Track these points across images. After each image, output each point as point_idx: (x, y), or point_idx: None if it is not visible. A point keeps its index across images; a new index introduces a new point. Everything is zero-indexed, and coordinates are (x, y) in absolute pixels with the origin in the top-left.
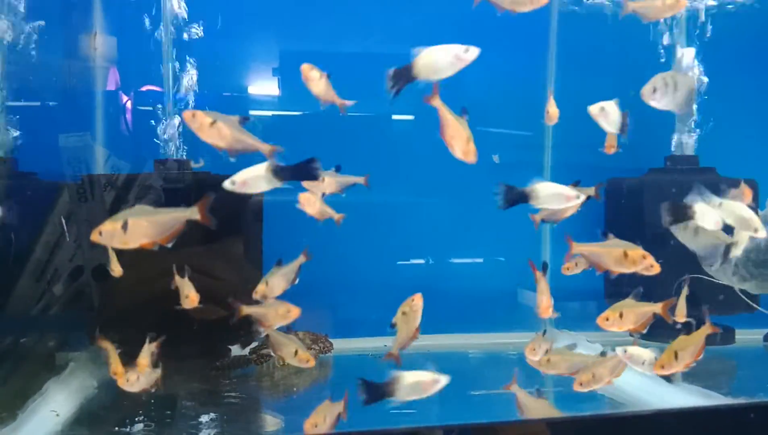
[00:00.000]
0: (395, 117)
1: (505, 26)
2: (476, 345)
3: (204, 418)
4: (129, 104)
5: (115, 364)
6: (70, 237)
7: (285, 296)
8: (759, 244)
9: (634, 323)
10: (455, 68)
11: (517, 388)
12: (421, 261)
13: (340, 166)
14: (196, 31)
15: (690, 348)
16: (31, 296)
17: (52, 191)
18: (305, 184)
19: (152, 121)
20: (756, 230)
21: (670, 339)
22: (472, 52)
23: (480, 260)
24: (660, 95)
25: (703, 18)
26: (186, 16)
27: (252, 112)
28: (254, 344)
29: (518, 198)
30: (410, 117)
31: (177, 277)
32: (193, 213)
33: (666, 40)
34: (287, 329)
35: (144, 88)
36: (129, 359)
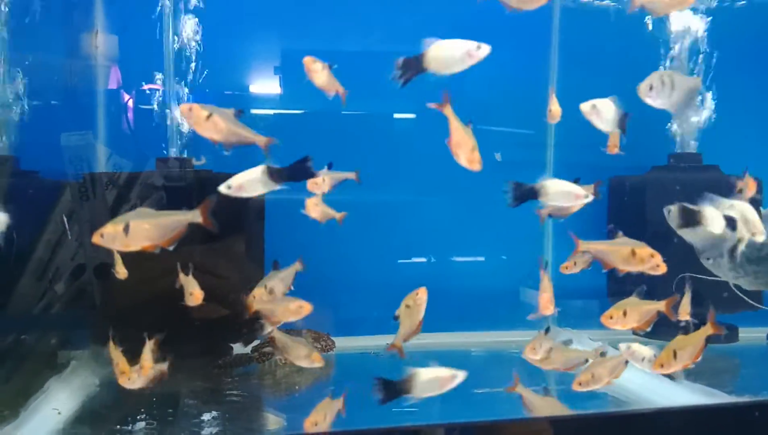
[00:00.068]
0: (396, 115)
1: (507, 24)
2: (478, 343)
3: (206, 417)
4: (131, 103)
5: (123, 363)
6: (71, 235)
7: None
8: (754, 242)
9: (637, 321)
10: (465, 64)
11: (522, 388)
12: (423, 259)
13: (331, 164)
14: (197, 29)
15: (689, 348)
16: (32, 295)
17: (54, 190)
18: (309, 187)
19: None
20: (754, 234)
21: (673, 338)
22: (484, 50)
23: (482, 259)
24: (656, 93)
25: (704, 15)
26: (187, 14)
27: (253, 111)
28: (256, 342)
29: (527, 195)
30: (411, 115)
31: (181, 275)
32: (195, 216)
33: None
34: (288, 328)
35: (145, 87)
36: (131, 358)
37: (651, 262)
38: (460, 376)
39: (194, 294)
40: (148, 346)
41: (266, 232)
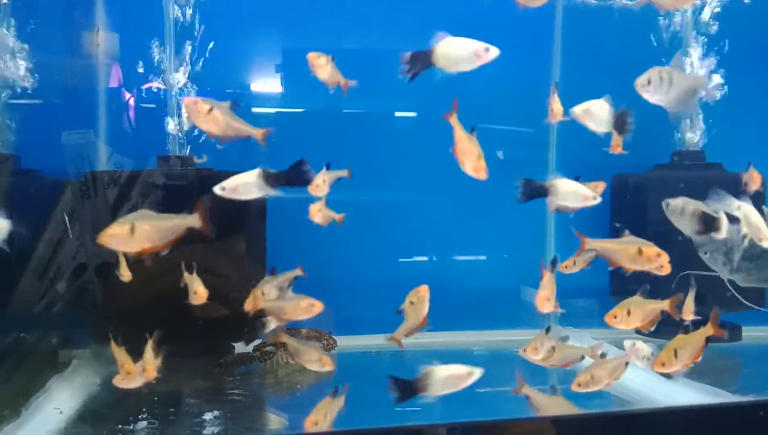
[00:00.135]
0: (398, 114)
1: (510, 22)
2: (480, 342)
3: (208, 416)
4: (132, 101)
5: (128, 364)
6: (73, 234)
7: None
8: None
9: (641, 321)
10: (472, 65)
11: (528, 388)
12: (425, 258)
13: (329, 164)
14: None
15: (689, 347)
16: (34, 293)
17: (55, 188)
18: (310, 190)
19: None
20: (761, 240)
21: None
22: (492, 53)
23: (483, 258)
24: (653, 88)
25: (709, 12)
26: (189, 13)
27: (255, 110)
28: (258, 341)
29: (537, 192)
30: (412, 114)
31: (186, 274)
32: (194, 220)
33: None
34: (290, 328)
35: (146, 86)
36: (132, 357)
37: (658, 261)
38: (477, 372)
39: (198, 292)
40: (151, 348)
41: (268, 231)
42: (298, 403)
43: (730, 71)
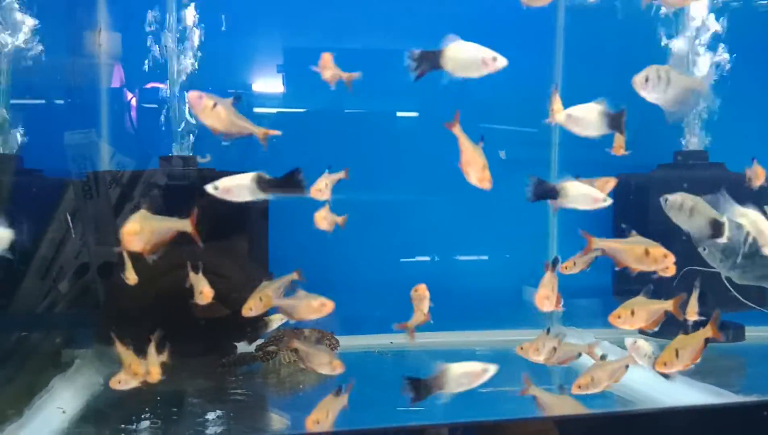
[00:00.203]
0: (399, 114)
1: (512, 21)
2: (482, 342)
3: (210, 416)
4: (134, 101)
5: (136, 365)
6: (75, 234)
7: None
8: (742, 236)
9: (645, 321)
10: (479, 72)
11: (535, 388)
12: (427, 258)
13: (331, 166)
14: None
15: (689, 348)
16: (36, 293)
17: (57, 188)
18: (313, 195)
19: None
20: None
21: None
22: (500, 62)
23: (485, 258)
24: (651, 86)
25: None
26: (191, 12)
27: (256, 110)
28: (260, 341)
29: (547, 193)
30: (414, 114)
31: (192, 274)
32: (185, 225)
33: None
34: (293, 327)
35: (149, 85)
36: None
37: (664, 262)
38: (492, 369)
39: (204, 292)
40: (154, 350)
41: (270, 231)
42: (301, 402)
43: (733, 71)
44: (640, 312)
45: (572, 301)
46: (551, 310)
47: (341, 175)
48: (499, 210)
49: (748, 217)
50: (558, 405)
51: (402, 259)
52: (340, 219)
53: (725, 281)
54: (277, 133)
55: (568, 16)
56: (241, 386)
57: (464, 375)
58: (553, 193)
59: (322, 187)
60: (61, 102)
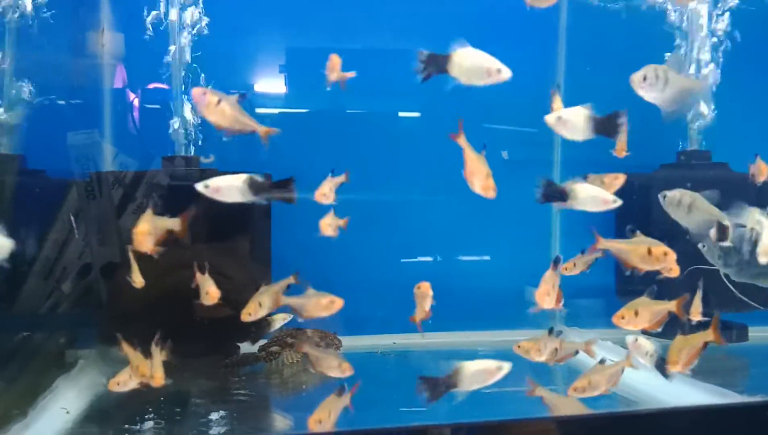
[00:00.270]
0: (401, 114)
1: (514, 21)
2: (485, 342)
3: (214, 416)
4: (136, 102)
5: (144, 366)
6: (78, 234)
7: (293, 292)
8: (743, 234)
9: (649, 321)
10: (483, 80)
11: (541, 388)
12: (429, 258)
13: (334, 170)
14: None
15: (686, 349)
16: (40, 294)
17: (60, 189)
18: (317, 199)
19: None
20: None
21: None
22: (504, 74)
23: (487, 258)
24: (649, 85)
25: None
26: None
27: (258, 110)
28: (263, 341)
29: (556, 195)
30: (416, 114)
31: (198, 274)
32: (175, 224)
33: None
34: (296, 327)
35: (151, 86)
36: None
37: (665, 259)
38: (506, 367)
39: (210, 293)
40: (158, 354)
41: (272, 231)
42: (304, 403)
43: (737, 70)
44: (644, 313)
45: (575, 302)
46: (552, 308)
47: (343, 178)
48: (501, 210)
49: (765, 226)
50: (564, 405)
51: (404, 260)
52: (342, 222)
53: (727, 281)
54: (278, 131)
55: (571, 15)
56: (245, 386)
57: (479, 373)
58: (563, 196)
59: (326, 192)
60: (64, 102)
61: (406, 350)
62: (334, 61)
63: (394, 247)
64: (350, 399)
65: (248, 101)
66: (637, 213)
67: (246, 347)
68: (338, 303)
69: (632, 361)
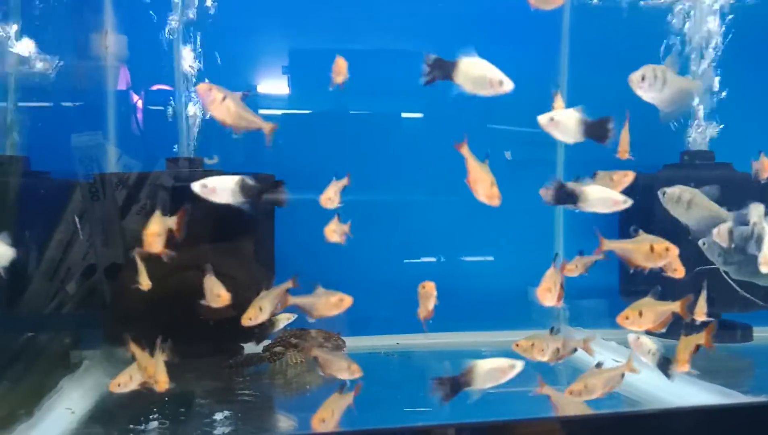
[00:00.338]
0: (404, 115)
1: (517, 21)
2: (489, 343)
3: (218, 416)
4: (140, 103)
5: (151, 367)
6: (82, 235)
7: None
8: (742, 232)
9: (653, 322)
10: (485, 90)
11: (548, 388)
12: (432, 259)
13: (338, 174)
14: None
15: (690, 349)
16: (44, 295)
17: (64, 190)
18: (322, 203)
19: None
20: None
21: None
22: (506, 86)
23: (491, 258)
24: (647, 85)
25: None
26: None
27: (262, 111)
28: (267, 342)
29: (568, 197)
30: (419, 115)
31: (207, 277)
32: (171, 222)
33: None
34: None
35: (154, 87)
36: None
37: (667, 255)
38: (519, 366)
39: (221, 296)
40: (161, 359)
41: (276, 232)
42: (308, 403)
43: (740, 70)
44: (648, 313)
45: (579, 302)
46: (552, 305)
47: (344, 182)
48: (505, 211)
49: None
50: (571, 405)
51: (408, 260)
52: (345, 227)
53: (730, 281)
54: (276, 125)
55: (574, 15)
56: (249, 387)
57: (492, 371)
58: (574, 198)
59: (331, 196)
60: (68, 104)
61: (409, 350)
62: (341, 64)
63: (397, 247)
64: (353, 398)
65: (252, 102)
66: (641, 213)
67: (250, 348)
68: (347, 301)
69: (633, 364)
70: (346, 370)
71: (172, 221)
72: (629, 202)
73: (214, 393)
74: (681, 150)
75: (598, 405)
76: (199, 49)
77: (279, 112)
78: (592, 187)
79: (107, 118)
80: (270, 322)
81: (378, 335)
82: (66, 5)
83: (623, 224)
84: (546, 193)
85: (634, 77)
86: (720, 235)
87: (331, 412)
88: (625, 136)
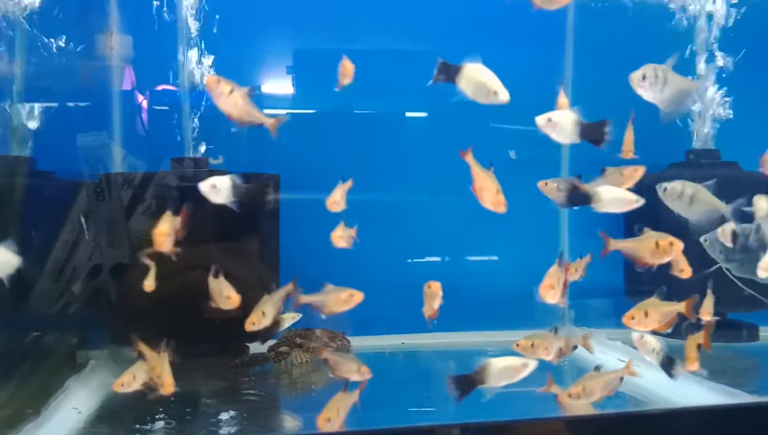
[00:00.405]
0: (408, 114)
1: (521, 20)
2: (494, 343)
3: (224, 416)
4: (145, 103)
5: (159, 367)
6: (88, 235)
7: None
8: (743, 230)
9: (659, 322)
10: (484, 99)
11: (556, 387)
12: (437, 259)
13: (344, 177)
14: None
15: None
16: (50, 295)
17: (70, 190)
18: (329, 207)
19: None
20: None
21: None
22: (501, 96)
23: (496, 258)
24: (648, 85)
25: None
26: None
27: (266, 111)
28: (273, 341)
29: (581, 199)
30: (423, 114)
31: (220, 278)
32: (177, 222)
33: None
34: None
35: (159, 88)
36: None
37: (672, 250)
38: (532, 364)
39: (231, 297)
40: (167, 361)
41: (281, 232)
42: (313, 403)
43: (746, 69)
44: (654, 313)
45: (585, 302)
46: (555, 303)
47: (348, 185)
48: (509, 210)
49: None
50: (578, 404)
51: (413, 260)
52: (352, 231)
53: (734, 279)
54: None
55: (578, 15)
56: (254, 387)
57: (506, 369)
58: (587, 199)
59: (338, 199)
60: (74, 104)
61: (414, 350)
62: (347, 66)
63: (402, 247)
64: (359, 396)
65: (256, 102)
66: (646, 212)
67: (255, 347)
68: (358, 296)
69: (632, 368)
70: (356, 372)
71: (177, 221)
72: (642, 201)
73: (219, 393)
74: (686, 148)
75: (603, 405)
76: (204, 49)
77: (283, 111)
78: (605, 187)
79: (112, 118)
80: (275, 322)
81: (383, 335)
82: (72, 5)
83: (629, 224)
84: (558, 195)
85: (635, 76)
86: (724, 235)
87: (336, 412)
88: (629, 136)
